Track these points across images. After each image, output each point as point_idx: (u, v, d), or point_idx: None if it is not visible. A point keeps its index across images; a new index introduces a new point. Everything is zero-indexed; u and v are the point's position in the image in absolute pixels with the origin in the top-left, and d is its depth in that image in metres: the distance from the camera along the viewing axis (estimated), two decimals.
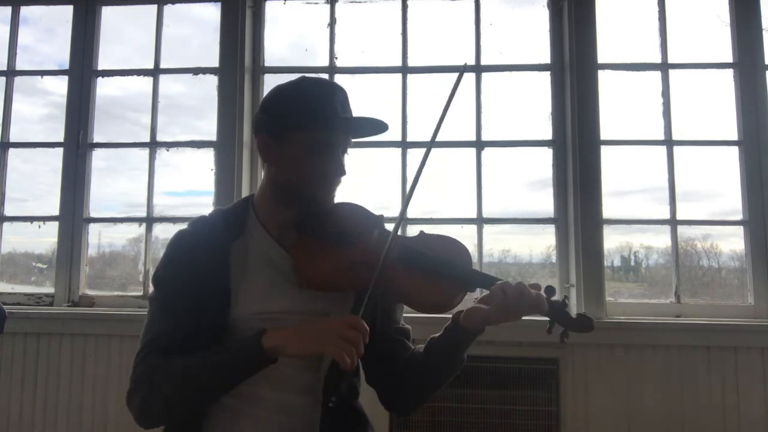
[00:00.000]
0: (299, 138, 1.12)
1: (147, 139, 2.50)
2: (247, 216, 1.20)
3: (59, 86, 2.56)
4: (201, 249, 1.13)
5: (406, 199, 1.18)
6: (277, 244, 1.17)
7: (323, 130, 1.12)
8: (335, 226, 1.18)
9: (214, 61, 2.48)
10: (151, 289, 1.17)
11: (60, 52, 2.57)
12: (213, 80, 2.49)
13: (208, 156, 2.45)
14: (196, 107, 2.60)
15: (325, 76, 2.49)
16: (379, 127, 1.17)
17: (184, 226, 1.21)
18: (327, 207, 1.19)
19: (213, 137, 2.45)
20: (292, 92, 1.15)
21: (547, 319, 1.12)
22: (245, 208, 1.22)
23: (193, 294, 1.10)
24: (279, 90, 1.17)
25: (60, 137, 2.51)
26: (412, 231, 2.38)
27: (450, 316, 1.15)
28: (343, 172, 1.17)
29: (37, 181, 2.62)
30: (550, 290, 1.11)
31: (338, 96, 1.14)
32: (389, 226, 1.21)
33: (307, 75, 1.19)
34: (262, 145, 1.16)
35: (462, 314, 1.12)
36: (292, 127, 1.12)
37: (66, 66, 2.54)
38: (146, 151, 2.50)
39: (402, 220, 1.15)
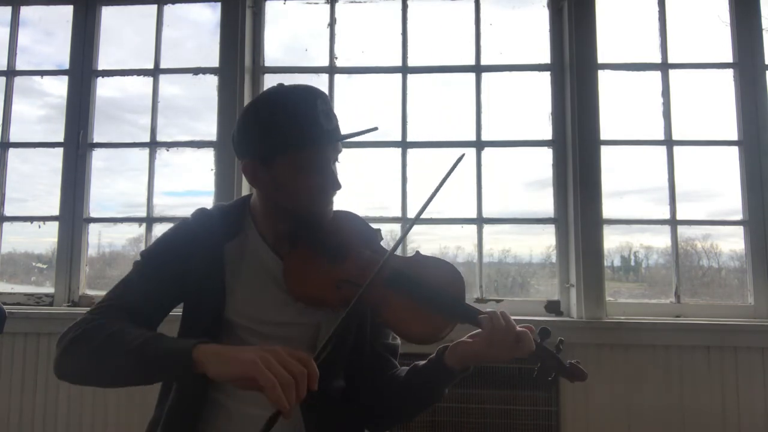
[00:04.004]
0: (288, 161, 1.06)
1: (144, 140, 2.51)
2: (244, 218, 1.19)
3: (58, 88, 2.56)
4: (198, 243, 1.13)
5: (406, 230, 1.14)
6: (272, 252, 1.15)
7: (311, 149, 1.06)
8: (329, 238, 1.14)
9: (210, 63, 2.49)
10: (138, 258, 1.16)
11: (59, 54, 2.58)
12: (209, 82, 2.49)
13: (207, 156, 2.45)
14: (192, 109, 2.60)
15: (325, 76, 2.49)
16: (368, 130, 1.14)
17: None
18: (326, 220, 1.15)
19: (209, 138, 2.45)
20: (270, 112, 1.07)
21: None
22: (243, 210, 1.20)
23: (175, 283, 1.10)
24: (254, 110, 1.10)
25: (58, 138, 2.51)
26: (412, 231, 2.38)
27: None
28: (337, 186, 1.12)
29: (37, 181, 2.62)
30: (543, 332, 1.07)
31: (319, 106, 1.06)
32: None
33: (281, 87, 1.11)
34: (249, 171, 1.11)
35: (447, 350, 1.08)
36: (279, 151, 1.06)
37: (65, 67, 2.54)
38: (146, 152, 2.50)
39: (398, 246, 1.10)
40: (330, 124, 1.08)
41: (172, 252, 1.13)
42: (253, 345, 1.07)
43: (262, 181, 1.11)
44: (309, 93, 1.08)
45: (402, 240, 1.11)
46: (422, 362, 1.14)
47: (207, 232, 1.14)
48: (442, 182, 1.11)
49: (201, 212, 1.20)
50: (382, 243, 1.20)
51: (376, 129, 1.14)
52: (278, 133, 1.06)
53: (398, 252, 1.22)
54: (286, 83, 1.13)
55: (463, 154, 1.15)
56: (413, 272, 1.10)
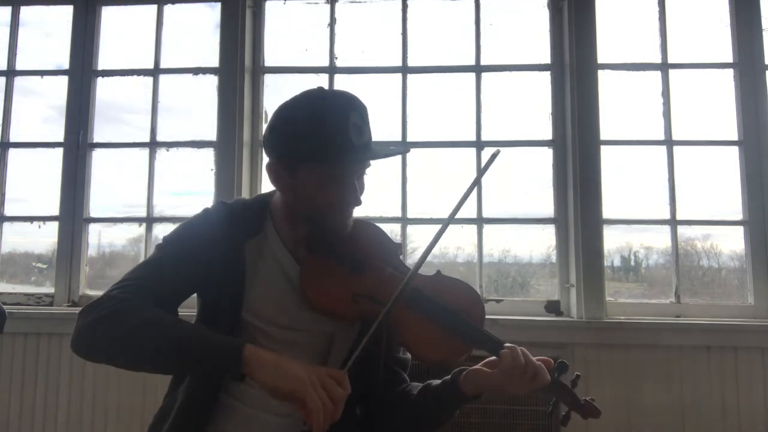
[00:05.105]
0: (311, 170, 1.05)
1: (144, 140, 2.50)
2: (264, 217, 1.17)
3: (58, 88, 2.56)
4: (219, 238, 1.11)
5: (427, 249, 1.07)
6: (291, 256, 1.14)
7: (336, 164, 1.04)
8: (348, 249, 1.12)
9: (210, 63, 2.49)
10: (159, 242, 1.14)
11: (59, 54, 2.57)
12: (205, 83, 2.50)
13: (207, 156, 2.45)
14: (192, 109, 2.59)
15: (325, 75, 2.49)
16: (400, 150, 1.14)
17: None
18: (343, 234, 1.13)
19: (209, 138, 2.45)
20: (302, 120, 1.04)
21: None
22: (263, 209, 1.18)
23: (195, 272, 1.08)
24: (288, 113, 1.07)
25: (58, 138, 2.50)
26: (412, 231, 2.39)
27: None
28: (357, 203, 1.10)
29: (37, 181, 2.62)
30: (561, 367, 1.06)
31: (353, 119, 1.04)
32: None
33: (319, 92, 1.08)
34: (273, 173, 1.10)
35: (463, 375, 1.07)
36: (302, 160, 1.05)
37: (65, 67, 2.54)
38: (146, 152, 2.50)
39: (421, 265, 1.06)
40: (360, 139, 1.05)
41: (194, 242, 1.11)
42: (265, 347, 1.05)
43: (283, 184, 1.10)
44: (344, 104, 1.06)
45: (424, 259, 1.08)
46: (436, 382, 1.13)
47: (228, 228, 1.12)
48: (459, 204, 1.07)
49: (222, 206, 1.17)
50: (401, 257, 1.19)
51: (408, 150, 1.14)
52: (304, 143, 1.03)
53: (401, 256, 1.21)
54: (326, 87, 1.11)
55: (498, 151, 1.11)
56: (434, 293, 1.09)
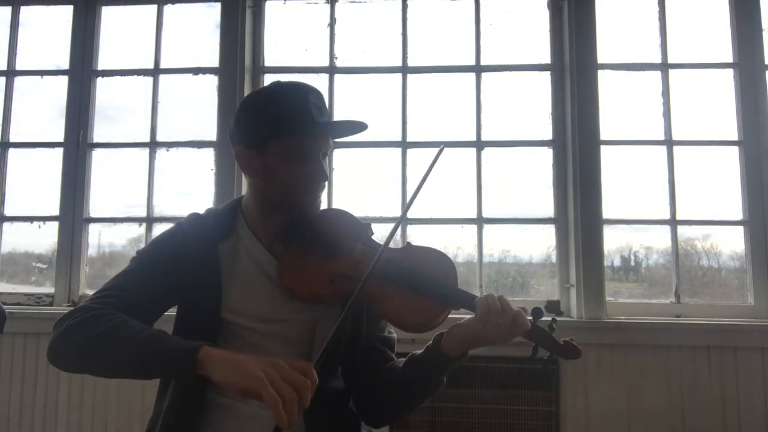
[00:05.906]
0: (277, 147, 1.11)
1: (144, 140, 2.50)
2: (236, 219, 1.21)
3: (58, 88, 2.55)
4: (192, 244, 1.14)
5: (398, 222, 1.16)
6: (267, 251, 1.17)
7: (301, 138, 1.11)
8: (318, 235, 1.16)
9: (210, 63, 2.49)
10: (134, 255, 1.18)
11: (59, 54, 2.57)
12: (205, 83, 2.50)
13: (207, 156, 2.45)
14: (192, 109, 2.59)
15: (325, 76, 2.49)
16: (358, 127, 1.15)
17: None
18: (314, 214, 1.18)
19: (209, 138, 2.45)
20: (264, 102, 1.13)
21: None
22: (234, 212, 1.22)
23: (170, 281, 1.11)
24: (250, 100, 1.16)
25: (58, 138, 2.50)
26: (412, 232, 2.38)
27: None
28: (324, 178, 1.15)
29: (37, 181, 2.62)
30: (537, 312, 1.09)
31: (312, 99, 1.11)
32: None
33: (277, 82, 1.17)
34: (241, 158, 1.15)
35: (444, 336, 1.09)
36: (269, 138, 1.11)
37: (65, 67, 2.54)
38: (146, 152, 2.50)
39: (392, 238, 1.10)
40: (321, 117, 1.12)
41: (168, 251, 1.15)
42: (250, 342, 1.10)
43: (253, 168, 1.15)
44: (302, 87, 1.14)
45: (395, 232, 1.12)
46: (419, 351, 1.15)
47: (201, 234, 1.16)
48: (426, 174, 1.16)
49: (194, 216, 1.22)
50: (374, 237, 1.22)
51: (366, 128, 1.16)
52: (270, 120, 1.11)
53: (391, 245, 1.23)
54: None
55: (443, 147, 1.20)
56: (407, 262, 1.13)
